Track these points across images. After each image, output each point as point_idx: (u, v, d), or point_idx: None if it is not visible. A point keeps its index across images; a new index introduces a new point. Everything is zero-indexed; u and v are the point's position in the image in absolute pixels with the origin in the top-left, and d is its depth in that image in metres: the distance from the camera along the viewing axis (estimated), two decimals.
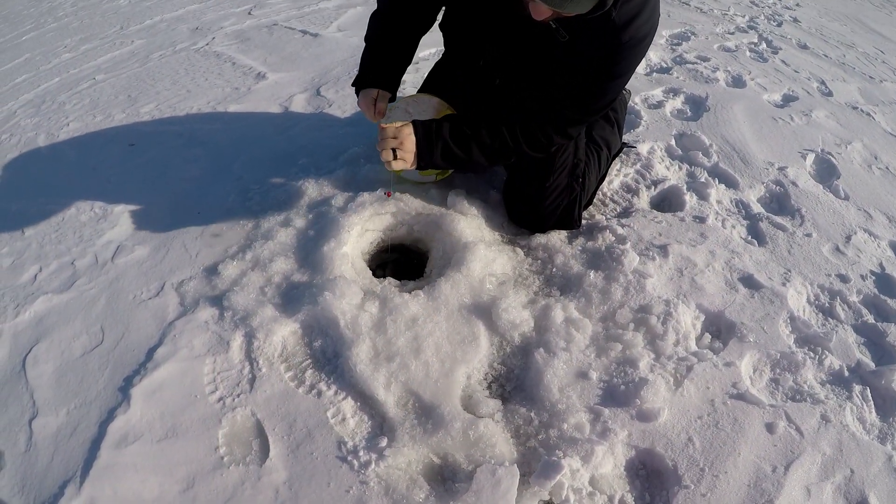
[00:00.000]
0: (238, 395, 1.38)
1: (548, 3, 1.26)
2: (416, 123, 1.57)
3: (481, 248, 1.70)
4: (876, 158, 2.60)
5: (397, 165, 1.55)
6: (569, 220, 1.86)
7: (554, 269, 1.76)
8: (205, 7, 4.52)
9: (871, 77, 3.88)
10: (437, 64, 2.06)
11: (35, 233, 1.97)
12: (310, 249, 1.73)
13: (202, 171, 2.23)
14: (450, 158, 1.60)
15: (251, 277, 1.66)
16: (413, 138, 1.55)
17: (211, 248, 1.81)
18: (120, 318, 1.60)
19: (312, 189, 2.00)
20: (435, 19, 1.81)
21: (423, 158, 1.57)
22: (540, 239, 1.86)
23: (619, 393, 1.42)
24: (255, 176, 2.16)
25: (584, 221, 1.94)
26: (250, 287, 1.63)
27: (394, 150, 1.53)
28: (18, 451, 1.31)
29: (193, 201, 2.05)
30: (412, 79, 2.82)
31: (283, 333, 1.51)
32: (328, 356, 1.48)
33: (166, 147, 2.43)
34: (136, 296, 1.67)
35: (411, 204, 1.85)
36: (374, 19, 1.80)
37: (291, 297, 1.60)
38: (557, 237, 1.87)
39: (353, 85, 1.82)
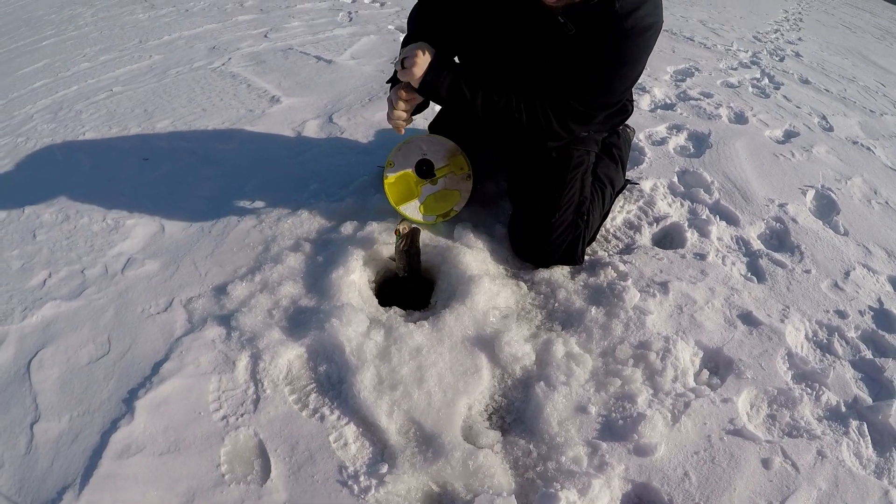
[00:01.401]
0: (242, 415, 1.41)
1: None
2: (433, 50, 1.63)
3: (486, 282, 1.73)
4: (875, 193, 2.64)
5: (403, 76, 1.61)
6: (572, 256, 1.90)
7: (556, 304, 1.79)
8: (223, 27, 4.61)
9: (871, 111, 3.94)
10: None
11: (46, 238, 2.01)
12: (318, 275, 1.76)
13: (215, 191, 2.27)
14: (453, 94, 1.65)
15: (259, 299, 1.69)
16: (427, 57, 1.61)
17: (221, 267, 1.85)
18: (127, 330, 1.62)
19: (322, 215, 2.04)
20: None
21: (429, 77, 1.62)
22: (543, 274, 1.89)
23: (617, 427, 1.44)
24: (266, 198, 2.20)
25: (587, 257, 1.98)
26: (258, 309, 1.66)
27: (403, 62, 1.59)
28: (18, 453, 1.32)
29: (205, 220, 2.08)
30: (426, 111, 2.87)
31: (289, 356, 1.54)
32: (332, 381, 1.51)
33: (180, 164, 2.48)
34: (145, 309, 1.69)
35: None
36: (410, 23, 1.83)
37: (298, 322, 1.63)
38: (560, 272, 1.91)
39: (387, 82, 1.83)
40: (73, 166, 2.49)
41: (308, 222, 2.02)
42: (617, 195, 2.19)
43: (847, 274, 2.06)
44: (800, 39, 6.11)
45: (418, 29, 1.77)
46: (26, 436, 1.36)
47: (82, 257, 1.91)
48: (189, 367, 1.50)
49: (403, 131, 1.78)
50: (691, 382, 1.59)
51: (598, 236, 2.08)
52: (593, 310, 1.75)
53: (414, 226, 1.69)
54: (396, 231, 1.64)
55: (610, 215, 2.18)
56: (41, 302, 1.72)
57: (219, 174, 2.39)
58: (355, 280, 1.74)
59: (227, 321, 1.63)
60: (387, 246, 1.85)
